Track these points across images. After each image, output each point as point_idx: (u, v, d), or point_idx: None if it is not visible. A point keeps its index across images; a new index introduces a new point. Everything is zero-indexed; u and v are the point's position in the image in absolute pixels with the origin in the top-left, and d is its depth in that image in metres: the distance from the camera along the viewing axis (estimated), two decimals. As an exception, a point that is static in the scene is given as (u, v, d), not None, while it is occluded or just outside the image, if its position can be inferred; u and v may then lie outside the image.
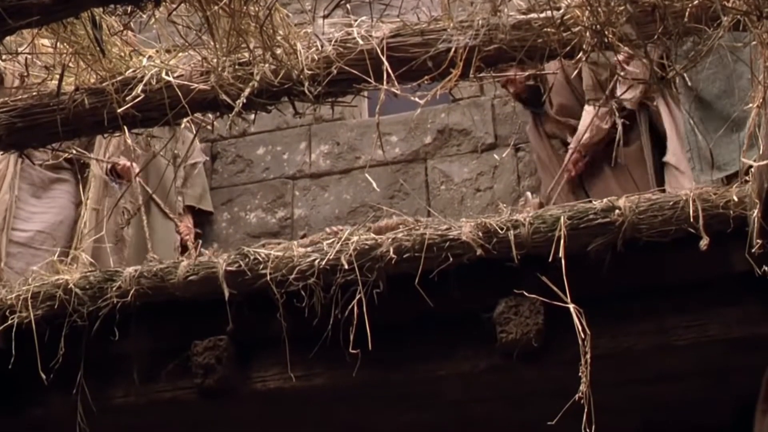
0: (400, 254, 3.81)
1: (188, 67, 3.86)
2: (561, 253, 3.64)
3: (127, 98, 3.77)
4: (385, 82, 3.65)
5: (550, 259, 3.66)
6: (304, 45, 3.78)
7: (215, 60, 3.74)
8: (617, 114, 5.27)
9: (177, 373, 4.13)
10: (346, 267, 3.82)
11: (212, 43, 3.70)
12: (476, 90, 6.55)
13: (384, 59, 3.66)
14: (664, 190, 4.41)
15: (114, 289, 4.08)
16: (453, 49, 3.63)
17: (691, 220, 3.61)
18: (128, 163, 5.88)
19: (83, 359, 4.09)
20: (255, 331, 4.04)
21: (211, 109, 3.89)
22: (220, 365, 4.04)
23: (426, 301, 3.72)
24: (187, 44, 3.84)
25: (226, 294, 3.93)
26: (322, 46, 3.78)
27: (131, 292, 4.06)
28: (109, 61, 3.90)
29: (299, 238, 4.80)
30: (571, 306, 3.54)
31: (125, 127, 3.94)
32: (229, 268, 3.99)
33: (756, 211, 3.43)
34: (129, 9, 3.47)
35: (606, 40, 3.43)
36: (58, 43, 3.88)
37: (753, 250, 3.41)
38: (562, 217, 3.73)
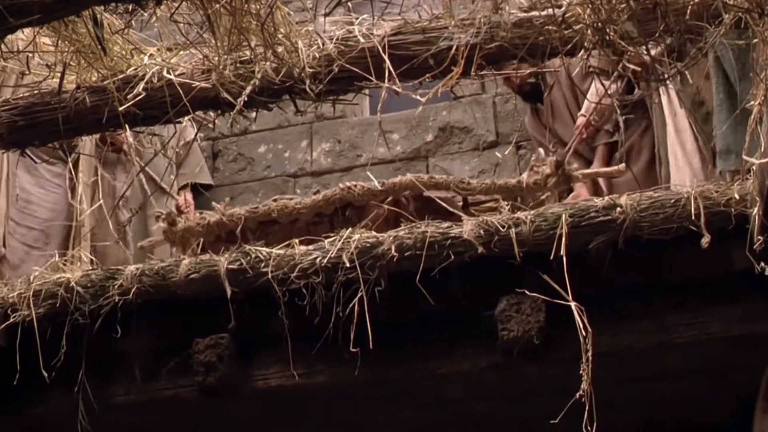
0: (402, 252, 3.81)
1: (189, 65, 3.87)
2: (562, 251, 3.64)
3: (128, 96, 3.78)
4: (386, 80, 3.65)
5: (551, 257, 3.66)
6: (305, 43, 3.78)
7: (216, 58, 3.74)
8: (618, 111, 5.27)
9: (178, 371, 4.13)
10: (348, 265, 3.82)
11: (213, 41, 3.70)
12: (478, 88, 6.55)
13: (385, 57, 3.67)
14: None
15: (115, 287, 4.09)
16: (454, 47, 3.64)
17: (693, 217, 3.61)
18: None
19: (84, 357, 4.09)
20: (256, 329, 4.04)
21: (212, 107, 3.89)
22: (221, 363, 4.04)
23: (427, 299, 3.72)
24: (188, 42, 3.84)
25: (228, 292, 3.94)
26: (323, 44, 3.78)
27: (133, 290, 4.06)
28: (111, 60, 3.91)
29: (312, 194, 4.93)
30: (573, 304, 3.54)
31: (126, 125, 3.95)
32: (230, 266, 3.99)
33: (757, 209, 3.43)
34: (130, 7, 3.47)
35: (607, 38, 3.43)
36: (60, 42, 3.88)
37: (755, 247, 3.42)
38: (563, 215, 3.73)
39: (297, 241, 4.04)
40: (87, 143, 5.74)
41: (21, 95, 4.07)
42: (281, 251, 3.98)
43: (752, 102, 3.43)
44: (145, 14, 3.57)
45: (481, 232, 3.79)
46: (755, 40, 3.38)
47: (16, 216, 5.82)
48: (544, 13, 3.58)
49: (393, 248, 3.82)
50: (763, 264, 3.38)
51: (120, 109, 3.77)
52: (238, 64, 3.77)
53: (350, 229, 4.01)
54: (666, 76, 3.73)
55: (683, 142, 5.10)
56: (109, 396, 4.19)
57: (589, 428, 3.38)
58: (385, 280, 3.80)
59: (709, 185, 3.81)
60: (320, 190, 5.19)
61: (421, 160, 6.65)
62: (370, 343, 3.66)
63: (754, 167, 3.43)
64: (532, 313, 3.76)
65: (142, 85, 3.79)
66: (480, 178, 6.33)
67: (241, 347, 4.08)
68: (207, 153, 6.94)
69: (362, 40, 3.77)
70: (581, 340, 3.49)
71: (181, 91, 3.75)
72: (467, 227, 3.81)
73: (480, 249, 3.76)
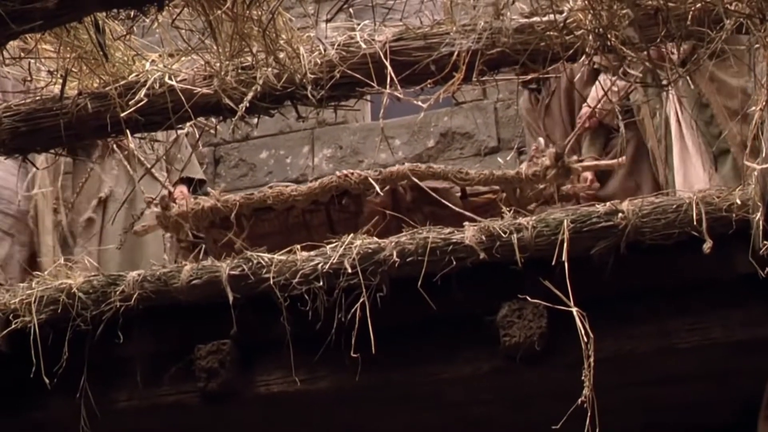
0: (403, 258, 3.81)
1: (191, 71, 3.87)
2: (564, 257, 3.64)
3: (130, 102, 3.78)
4: (388, 86, 3.66)
5: (553, 263, 3.66)
6: (307, 49, 3.79)
7: (218, 64, 3.75)
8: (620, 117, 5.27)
9: (180, 377, 4.13)
10: (350, 271, 3.82)
11: (215, 47, 3.70)
12: (479, 93, 6.57)
13: (387, 63, 3.67)
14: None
15: (117, 293, 4.08)
16: (456, 53, 3.64)
17: (694, 223, 3.62)
18: None
19: (86, 363, 4.09)
20: (258, 335, 4.04)
21: (214, 113, 3.90)
22: (223, 369, 4.04)
23: (429, 304, 3.72)
24: (190, 48, 3.85)
25: (230, 298, 3.94)
26: (325, 50, 3.79)
27: (134, 296, 4.06)
28: (112, 66, 3.91)
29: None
30: (574, 310, 3.54)
31: (128, 131, 3.95)
32: (232, 272, 3.99)
33: (759, 214, 3.44)
34: (132, 13, 3.47)
35: (609, 44, 3.43)
36: (61, 48, 3.88)
37: (760, 252, 3.42)
38: (565, 221, 3.73)
39: (299, 246, 4.04)
40: None
41: (23, 101, 4.08)
42: (283, 257, 3.98)
43: (753, 107, 3.44)
44: (147, 20, 3.57)
45: (483, 237, 3.79)
46: (756, 45, 3.38)
47: None
48: (545, 18, 3.59)
49: (395, 254, 3.82)
50: None
51: (122, 115, 3.78)
52: (239, 70, 3.78)
53: (352, 234, 4.00)
54: (668, 80, 3.73)
55: (689, 146, 5.10)
56: (111, 402, 4.18)
57: (590, 433, 3.39)
58: (386, 286, 3.80)
59: (710, 190, 3.82)
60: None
61: (423, 165, 6.65)
62: (373, 349, 3.66)
63: (755, 173, 3.44)
64: (534, 318, 3.75)
65: (143, 91, 3.80)
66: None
67: (243, 353, 4.08)
68: (209, 159, 6.96)
69: (364, 46, 3.78)
70: (583, 346, 3.49)
71: (182, 97, 3.75)
72: (469, 233, 3.81)
73: (482, 255, 3.76)
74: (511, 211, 4.02)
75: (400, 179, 4.69)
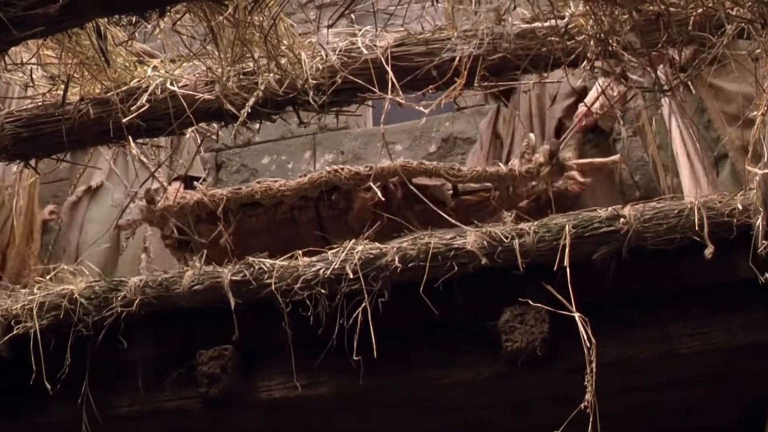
0: (405, 263, 3.81)
1: (193, 77, 3.88)
2: (566, 262, 3.64)
3: (132, 108, 3.79)
4: (389, 91, 3.66)
5: (555, 268, 3.66)
6: (308, 54, 3.79)
7: (220, 70, 3.75)
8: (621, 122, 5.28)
9: (182, 382, 4.13)
10: (351, 276, 3.82)
11: (217, 53, 3.70)
12: (481, 99, 6.55)
13: (388, 68, 3.68)
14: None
15: (119, 298, 4.09)
16: (457, 58, 3.65)
17: (696, 228, 3.62)
18: None
19: (88, 368, 4.09)
20: (260, 340, 4.05)
21: (215, 119, 3.90)
22: (225, 374, 4.04)
23: (431, 309, 3.72)
24: (191, 54, 3.85)
25: (232, 303, 3.94)
26: (326, 56, 3.80)
27: (136, 301, 4.06)
28: (114, 71, 3.91)
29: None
30: (576, 315, 3.54)
31: (130, 137, 3.96)
32: (234, 278, 3.99)
33: (760, 219, 3.44)
34: (134, 19, 3.48)
35: (610, 49, 3.43)
36: (63, 54, 3.88)
37: (759, 250, 3.42)
38: (566, 226, 3.74)
39: (300, 252, 4.04)
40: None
41: (25, 107, 4.08)
42: (284, 263, 3.99)
43: (755, 112, 3.44)
44: (149, 26, 3.58)
45: (485, 243, 3.79)
46: (758, 50, 3.38)
47: None
48: (546, 24, 3.59)
49: (396, 259, 3.82)
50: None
51: (124, 120, 3.78)
52: (241, 76, 3.79)
53: (353, 240, 4.00)
54: (669, 86, 3.74)
55: (690, 152, 5.10)
56: (113, 407, 4.19)
57: (592, 438, 3.39)
58: (388, 291, 3.80)
59: (712, 195, 3.82)
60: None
61: (424, 170, 6.64)
62: (374, 354, 3.66)
63: (756, 178, 3.44)
64: (535, 323, 3.76)
65: (145, 97, 3.80)
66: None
67: (245, 358, 4.08)
68: (210, 164, 6.95)
69: (365, 51, 3.78)
70: (585, 351, 3.49)
71: (184, 103, 3.76)
72: (470, 238, 3.81)
73: (483, 260, 3.76)
74: (509, 213, 4.02)
75: (391, 176, 4.58)
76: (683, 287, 3.76)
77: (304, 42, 3.83)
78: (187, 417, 4.20)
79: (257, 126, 4.03)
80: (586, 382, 3.45)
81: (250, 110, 3.73)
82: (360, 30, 3.88)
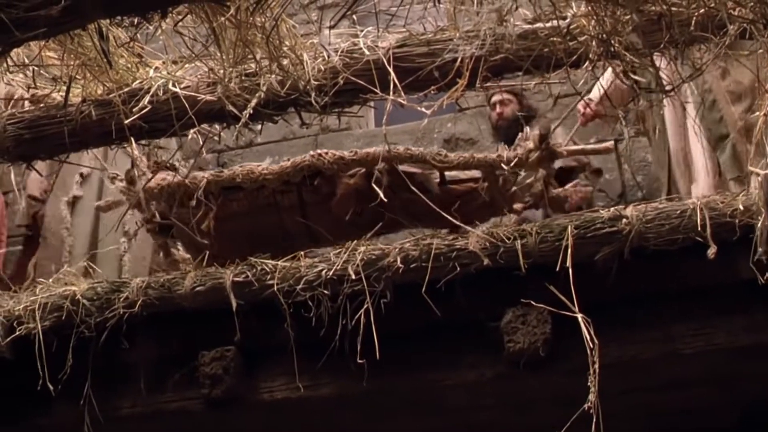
0: (407, 264, 3.81)
1: (195, 78, 3.88)
2: (568, 262, 3.64)
3: (134, 109, 3.79)
4: (391, 92, 3.66)
5: (557, 268, 3.66)
6: (310, 55, 3.79)
7: (222, 71, 3.75)
8: (624, 123, 5.26)
9: (184, 383, 4.13)
10: (353, 277, 3.82)
11: (219, 54, 3.70)
12: (482, 99, 6.55)
13: (390, 69, 3.68)
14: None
15: (121, 299, 4.09)
16: (459, 59, 3.65)
17: (698, 228, 3.62)
18: None
19: (90, 370, 4.09)
20: (262, 341, 4.05)
21: (217, 120, 3.90)
22: (227, 375, 4.04)
23: (433, 310, 3.72)
24: (193, 55, 3.85)
25: (234, 304, 3.94)
26: (328, 57, 3.80)
27: (138, 302, 4.06)
28: (116, 73, 3.91)
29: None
30: (579, 315, 3.54)
31: (132, 138, 3.95)
32: (236, 279, 3.99)
33: (762, 219, 3.44)
34: (136, 20, 3.47)
35: (612, 49, 3.43)
36: (65, 55, 3.88)
37: (758, 255, 3.42)
38: (569, 227, 3.74)
39: (302, 253, 4.04)
40: None
41: (27, 108, 4.08)
42: (287, 263, 3.99)
43: (757, 113, 3.44)
44: (151, 27, 3.58)
45: (487, 243, 3.79)
46: (760, 51, 3.38)
47: None
48: (548, 24, 3.59)
49: (398, 260, 3.82)
50: None
51: (126, 122, 3.78)
52: (243, 77, 3.78)
53: (355, 241, 4.00)
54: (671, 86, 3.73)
55: (693, 151, 5.09)
56: (115, 408, 4.19)
57: (595, 439, 3.38)
58: (390, 292, 3.81)
59: (714, 196, 3.82)
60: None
61: (426, 171, 6.64)
62: (377, 355, 3.66)
63: (759, 178, 3.44)
64: (538, 324, 3.75)
65: (147, 98, 3.80)
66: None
67: (247, 359, 4.08)
68: (213, 165, 6.95)
69: (367, 52, 3.78)
70: (588, 352, 3.49)
71: (186, 104, 3.76)
72: (473, 239, 3.82)
73: (486, 260, 3.76)
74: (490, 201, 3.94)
75: (376, 161, 4.39)
76: (685, 288, 3.77)
77: (306, 43, 3.83)
78: (189, 418, 4.20)
79: (259, 127, 4.03)
80: (589, 383, 3.45)
81: (252, 111, 3.73)
82: (362, 31, 3.88)
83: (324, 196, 4.46)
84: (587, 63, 3.54)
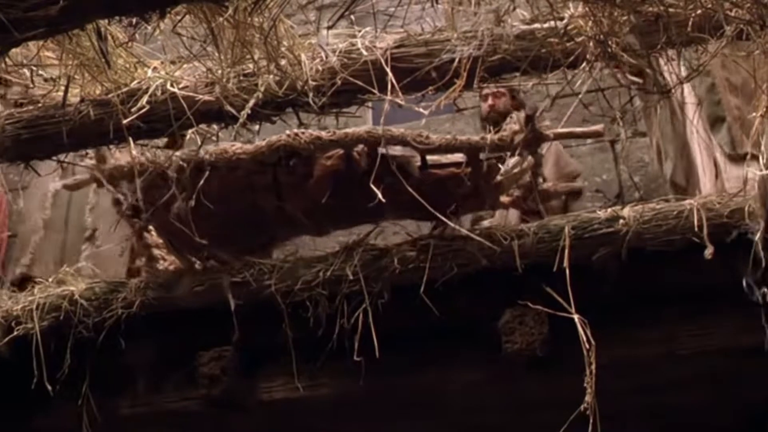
0: (405, 264, 3.82)
1: (193, 78, 3.88)
2: (566, 263, 3.64)
3: (132, 109, 3.79)
4: (389, 93, 3.66)
5: (554, 269, 3.66)
6: (308, 56, 3.79)
7: (220, 71, 3.75)
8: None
9: (182, 383, 4.14)
10: (351, 277, 3.83)
11: (217, 55, 3.70)
12: (480, 100, 6.55)
13: (388, 70, 3.68)
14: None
15: (119, 300, 4.09)
16: (457, 60, 3.65)
17: (696, 229, 3.62)
18: None
19: (89, 370, 4.09)
20: (260, 342, 4.05)
21: (216, 120, 3.90)
22: (225, 376, 4.04)
23: (431, 310, 3.72)
24: (191, 55, 3.85)
25: (232, 305, 3.94)
26: (326, 57, 3.79)
27: (136, 303, 4.07)
28: (115, 73, 3.91)
29: None
30: (576, 317, 3.54)
31: (130, 138, 3.95)
32: (234, 279, 4.00)
33: (760, 221, 3.44)
34: (134, 20, 3.48)
35: (609, 50, 3.44)
36: (64, 55, 3.89)
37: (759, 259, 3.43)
38: (566, 227, 3.74)
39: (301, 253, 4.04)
40: None
41: (25, 108, 4.08)
42: (285, 264, 3.99)
43: (754, 113, 3.45)
44: (149, 27, 3.58)
45: (485, 244, 3.79)
46: (756, 52, 3.38)
47: None
48: (546, 25, 3.59)
49: (396, 260, 3.82)
50: (765, 289, 3.40)
51: (124, 122, 3.78)
52: (241, 77, 3.79)
53: (354, 241, 4.00)
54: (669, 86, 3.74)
55: (693, 149, 5.09)
56: (114, 408, 4.19)
57: (593, 439, 3.39)
58: (388, 292, 3.81)
59: (711, 196, 3.82)
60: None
61: (425, 171, 6.64)
62: (376, 355, 3.66)
63: (756, 179, 3.44)
64: (535, 325, 3.76)
65: (145, 99, 3.80)
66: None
67: (246, 360, 4.08)
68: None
69: (365, 53, 3.78)
70: (585, 353, 3.49)
71: (184, 104, 3.76)
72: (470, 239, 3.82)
73: (483, 261, 3.76)
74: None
75: (355, 142, 4.18)
76: (683, 288, 3.77)
77: (304, 43, 3.84)
78: (187, 418, 4.20)
79: (257, 127, 4.03)
80: (585, 384, 3.45)
81: (250, 111, 3.73)
82: (360, 31, 3.88)
83: (300, 177, 4.23)
84: (584, 64, 3.54)
